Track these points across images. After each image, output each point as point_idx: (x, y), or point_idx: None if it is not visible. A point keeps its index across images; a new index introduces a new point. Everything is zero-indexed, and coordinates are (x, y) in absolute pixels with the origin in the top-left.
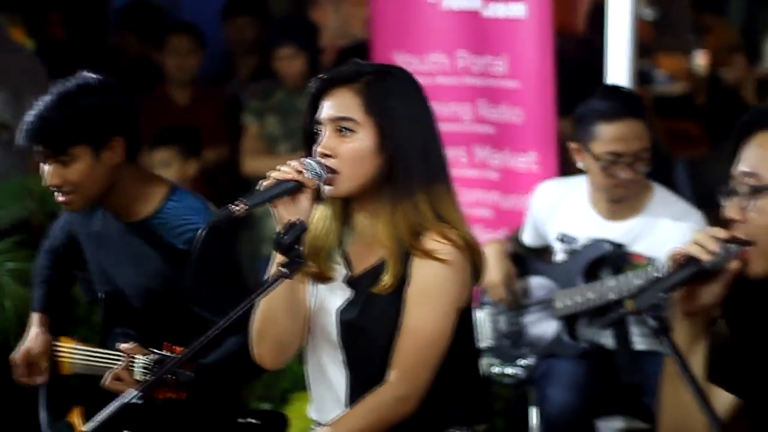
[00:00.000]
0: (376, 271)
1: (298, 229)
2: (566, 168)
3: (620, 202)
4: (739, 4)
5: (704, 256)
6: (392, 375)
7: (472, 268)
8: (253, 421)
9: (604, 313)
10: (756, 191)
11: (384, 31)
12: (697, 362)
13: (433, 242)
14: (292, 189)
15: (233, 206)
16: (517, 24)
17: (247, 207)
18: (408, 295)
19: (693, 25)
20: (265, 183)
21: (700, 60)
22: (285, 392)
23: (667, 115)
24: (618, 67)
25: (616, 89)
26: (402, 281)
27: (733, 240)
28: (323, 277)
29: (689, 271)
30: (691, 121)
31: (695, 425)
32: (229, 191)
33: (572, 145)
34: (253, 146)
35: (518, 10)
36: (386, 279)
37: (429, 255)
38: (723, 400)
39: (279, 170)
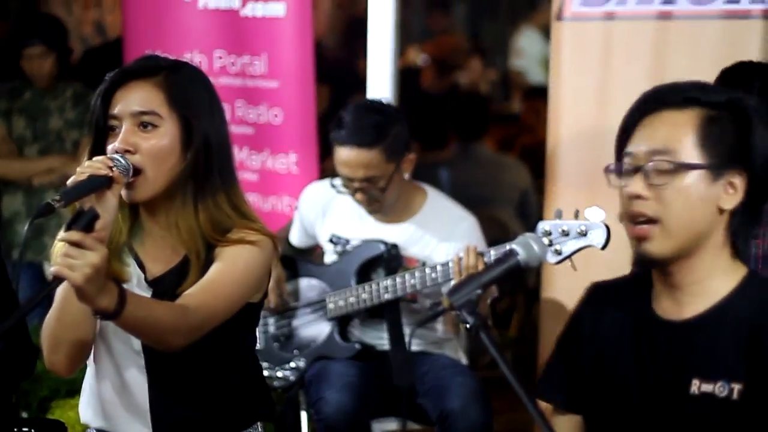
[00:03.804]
0: (179, 271)
1: (87, 217)
2: (327, 169)
3: (377, 212)
4: (463, 15)
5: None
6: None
7: (272, 262)
8: (30, 430)
9: (377, 313)
10: (677, 169)
11: (137, 30)
12: None
13: (242, 233)
14: (102, 184)
15: (52, 201)
16: (276, 23)
17: (64, 202)
18: (213, 265)
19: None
20: (75, 178)
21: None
22: (44, 400)
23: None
24: (379, 71)
25: (362, 111)
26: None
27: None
28: (117, 280)
29: (505, 267)
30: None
31: None
32: None
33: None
34: (1, 148)
35: (277, 10)
36: (192, 277)
37: (239, 242)
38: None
39: (89, 165)
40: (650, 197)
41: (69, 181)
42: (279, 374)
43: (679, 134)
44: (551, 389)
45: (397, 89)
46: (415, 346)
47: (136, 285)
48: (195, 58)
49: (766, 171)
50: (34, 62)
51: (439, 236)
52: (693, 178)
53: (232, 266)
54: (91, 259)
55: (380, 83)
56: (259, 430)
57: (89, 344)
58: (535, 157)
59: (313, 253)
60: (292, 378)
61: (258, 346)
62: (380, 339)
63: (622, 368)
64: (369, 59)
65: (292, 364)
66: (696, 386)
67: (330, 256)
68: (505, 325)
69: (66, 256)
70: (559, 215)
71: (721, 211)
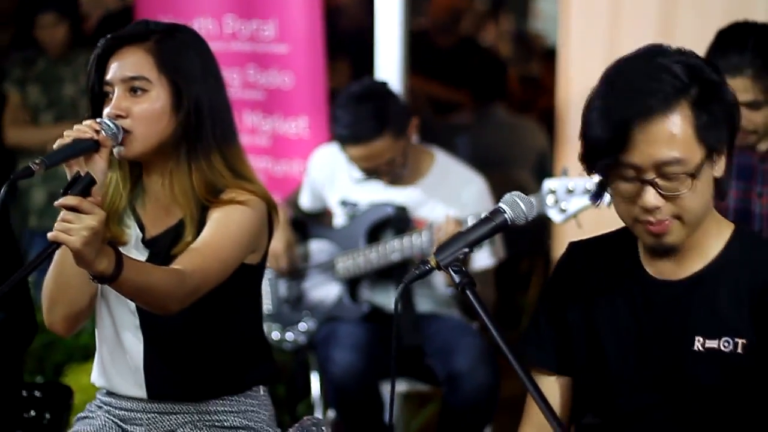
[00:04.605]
0: (175, 232)
1: (84, 182)
2: None
3: (399, 182)
4: None
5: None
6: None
7: (269, 221)
8: (37, 393)
9: (387, 274)
10: (692, 175)
11: None
12: None
13: (233, 194)
14: (88, 148)
15: (32, 164)
16: None
17: (45, 165)
18: (206, 227)
19: None
20: (60, 141)
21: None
22: (58, 365)
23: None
24: (388, 35)
25: (355, 103)
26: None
27: None
28: (116, 242)
29: (492, 226)
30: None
31: None
32: None
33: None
34: (16, 116)
35: None
36: (187, 238)
37: (229, 202)
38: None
39: (75, 129)
40: (666, 204)
41: (54, 145)
42: (289, 336)
43: (683, 139)
44: (542, 354)
45: (407, 51)
46: (425, 307)
47: (134, 245)
48: (205, 23)
49: (737, 120)
50: (47, 31)
51: (448, 198)
52: (703, 172)
53: (225, 227)
54: (89, 222)
55: (389, 46)
56: (261, 393)
57: (85, 307)
58: (553, 119)
59: (323, 216)
60: (302, 340)
61: (269, 309)
62: (389, 300)
63: (617, 328)
64: (377, 22)
65: (302, 326)
66: (700, 343)
67: (340, 219)
68: (525, 287)
69: (63, 221)
70: (565, 173)
71: (716, 180)
